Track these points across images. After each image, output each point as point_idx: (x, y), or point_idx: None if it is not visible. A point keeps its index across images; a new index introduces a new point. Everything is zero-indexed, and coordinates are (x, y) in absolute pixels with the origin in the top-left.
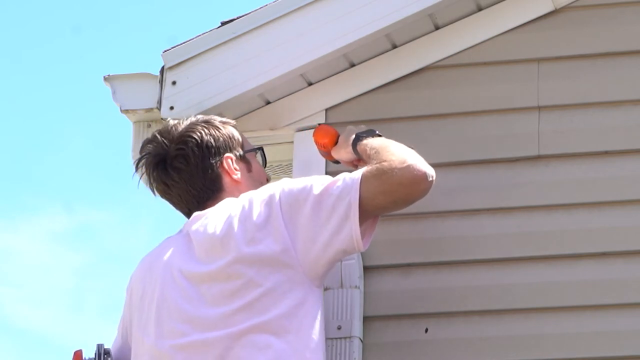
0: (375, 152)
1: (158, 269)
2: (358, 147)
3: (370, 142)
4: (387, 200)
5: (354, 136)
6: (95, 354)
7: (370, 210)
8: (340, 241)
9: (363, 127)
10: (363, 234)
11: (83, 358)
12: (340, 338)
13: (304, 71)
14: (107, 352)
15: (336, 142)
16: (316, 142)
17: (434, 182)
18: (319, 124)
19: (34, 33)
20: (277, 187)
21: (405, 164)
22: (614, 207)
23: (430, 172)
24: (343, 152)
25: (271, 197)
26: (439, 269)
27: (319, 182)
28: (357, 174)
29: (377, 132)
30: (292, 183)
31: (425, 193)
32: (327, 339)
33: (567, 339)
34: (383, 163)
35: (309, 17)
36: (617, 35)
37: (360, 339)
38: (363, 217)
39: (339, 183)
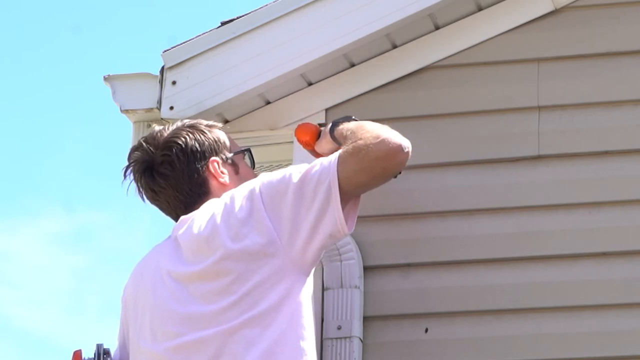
0: (350, 133)
1: (148, 274)
2: (335, 133)
3: (346, 126)
4: (366, 177)
5: (330, 124)
6: (95, 354)
7: (351, 190)
8: (324, 225)
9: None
10: (347, 216)
11: (82, 358)
12: (340, 338)
13: (304, 71)
14: (106, 352)
15: (318, 138)
16: (299, 141)
17: (410, 153)
18: (300, 124)
19: (34, 33)
20: (256, 182)
21: (379, 139)
22: (614, 207)
23: (406, 143)
24: (324, 143)
25: (252, 192)
26: (439, 269)
27: (297, 170)
28: (334, 156)
29: (354, 117)
30: (270, 175)
31: (403, 165)
32: (327, 339)
33: (567, 339)
34: (358, 141)
35: (309, 17)
36: (617, 35)
37: (360, 339)
38: (345, 198)
39: (317, 168)
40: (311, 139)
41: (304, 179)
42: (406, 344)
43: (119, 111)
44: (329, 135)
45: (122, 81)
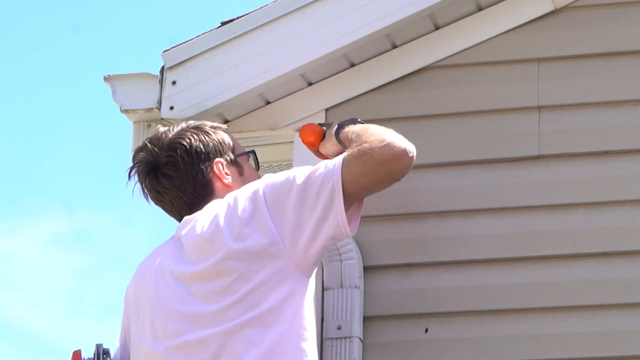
0: (356, 136)
1: (150, 274)
2: (341, 135)
3: (351, 128)
4: (370, 180)
5: (336, 126)
6: (94, 354)
7: (355, 193)
8: (327, 227)
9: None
10: (350, 219)
11: (82, 358)
12: (340, 338)
13: (304, 71)
14: (106, 352)
15: (323, 139)
16: (303, 142)
17: (414, 158)
18: (305, 124)
19: (34, 33)
20: (260, 183)
21: (384, 142)
22: (614, 207)
23: (411, 148)
24: (329, 145)
25: (255, 193)
26: (439, 269)
27: (300, 172)
28: (338, 158)
29: (359, 120)
30: (274, 177)
31: (407, 169)
32: (327, 338)
33: (567, 339)
34: (363, 144)
35: (309, 17)
36: (617, 35)
37: (360, 339)
38: (349, 201)
39: (321, 170)
40: (316, 140)
41: (307, 180)
42: (406, 344)
43: (119, 111)
44: (334, 137)
45: (122, 81)
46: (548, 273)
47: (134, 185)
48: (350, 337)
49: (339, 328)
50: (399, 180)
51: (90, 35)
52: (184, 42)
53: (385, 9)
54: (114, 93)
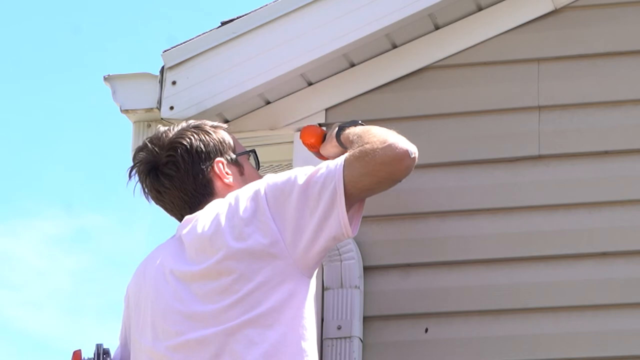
0: (357, 137)
1: (151, 273)
2: (341, 137)
3: (352, 130)
4: (371, 181)
5: (337, 128)
6: (95, 354)
7: (357, 194)
8: (328, 227)
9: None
10: (351, 219)
11: (82, 358)
12: (340, 338)
13: (304, 71)
14: (106, 352)
15: (323, 140)
16: (304, 143)
17: (416, 159)
18: (305, 126)
19: (34, 33)
20: (261, 183)
21: (386, 144)
22: (614, 207)
23: (412, 149)
24: (329, 147)
25: (256, 192)
26: (438, 269)
27: (302, 172)
28: (340, 159)
29: (360, 122)
30: (276, 177)
31: (409, 171)
32: (327, 338)
33: (567, 339)
34: (365, 145)
35: (309, 17)
36: (617, 35)
37: (360, 339)
38: (350, 201)
39: (323, 170)
40: (317, 141)
41: (309, 181)
42: (406, 344)
43: (119, 111)
44: (335, 139)
45: (122, 81)
46: (548, 273)
47: (135, 185)
48: (350, 337)
49: (339, 328)
50: (400, 181)
51: (90, 35)
52: (184, 42)
53: (385, 9)
54: (114, 93)
